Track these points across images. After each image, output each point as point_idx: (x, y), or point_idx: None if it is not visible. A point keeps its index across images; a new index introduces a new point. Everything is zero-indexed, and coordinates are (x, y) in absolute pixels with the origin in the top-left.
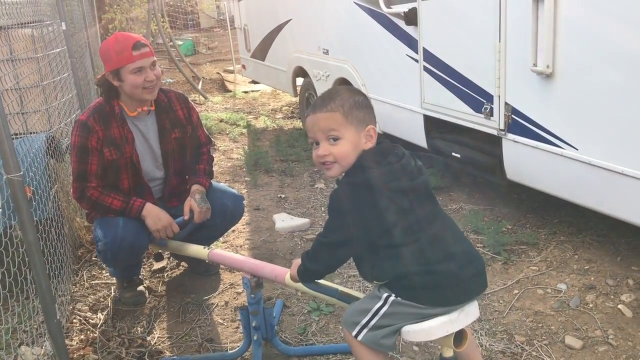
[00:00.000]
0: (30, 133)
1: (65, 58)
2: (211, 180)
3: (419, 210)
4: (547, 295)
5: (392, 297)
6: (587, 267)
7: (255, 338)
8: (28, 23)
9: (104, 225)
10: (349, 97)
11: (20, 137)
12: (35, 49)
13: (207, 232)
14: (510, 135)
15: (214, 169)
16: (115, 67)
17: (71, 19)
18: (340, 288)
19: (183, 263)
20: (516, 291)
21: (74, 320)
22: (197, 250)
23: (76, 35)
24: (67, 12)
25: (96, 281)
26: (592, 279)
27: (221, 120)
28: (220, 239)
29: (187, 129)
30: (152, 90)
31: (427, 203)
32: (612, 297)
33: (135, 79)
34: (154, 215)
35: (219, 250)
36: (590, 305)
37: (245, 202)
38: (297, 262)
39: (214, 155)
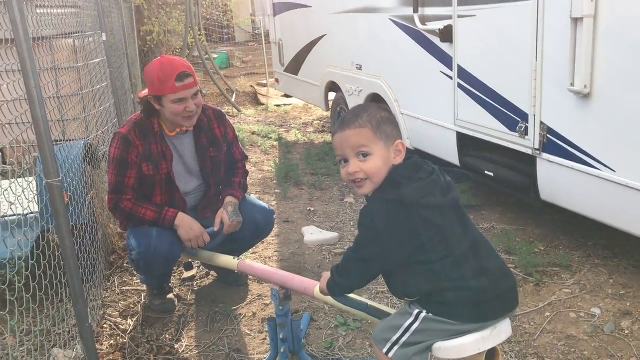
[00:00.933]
0: (69, 140)
1: (105, 68)
2: (245, 193)
3: (451, 226)
4: (580, 320)
5: (424, 314)
6: (622, 292)
7: (282, 350)
8: (71, 34)
9: (137, 234)
10: (375, 113)
11: (60, 144)
12: (77, 59)
13: (237, 245)
14: (545, 155)
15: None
16: (157, 94)
17: (111, 31)
18: (370, 302)
19: (212, 272)
20: (548, 314)
21: (105, 325)
22: (226, 260)
23: (115, 46)
24: (108, 23)
25: (127, 287)
26: (628, 304)
27: (253, 133)
28: (250, 250)
29: (222, 147)
30: (192, 119)
31: (459, 219)
32: None
33: (175, 108)
34: (186, 225)
35: (248, 261)
36: (626, 332)
37: (274, 205)
38: (327, 275)
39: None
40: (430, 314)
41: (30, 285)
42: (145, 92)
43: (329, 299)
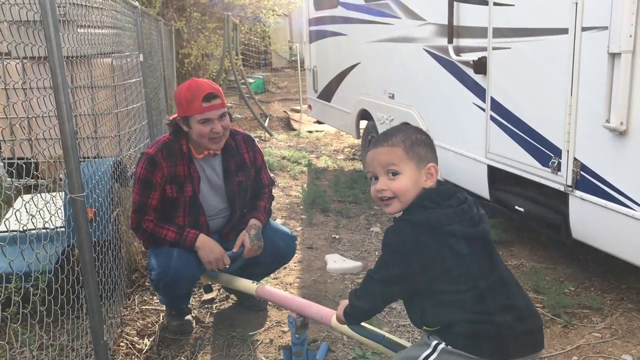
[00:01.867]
0: (98, 157)
1: (140, 88)
2: (269, 218)
3: (477, 258)
4: None
5: (442, 345)
6: None
7: None
8: (110, 53)
9: (158, 255)
10: (411, 134)
11: (88, 160)
12: (114, 78)
13: (258, 269)
14: (578, 192)
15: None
16: (184, 115)
17: (150, 52)
18: (387, 335)
19: (232, 296)
20: (575, 358)
21: (121, 344)
22: (246, 284)
23: (153, 67)
24: (147, 45)
25: (146, 306)
26: None
27: (283, 158)
28: (271, 275)
29: (250, 172)
30: (219, 141)
31: (486, 252)
32: None
33: (202, 129)
34: (207, 247)
35: (267, 287)
36: None
37: (298, 240)
38: (345, 302)
39: (274, 194)
40: (449, 346)
41: (46, 299)
42: (174, 115)
43: (347, 329)
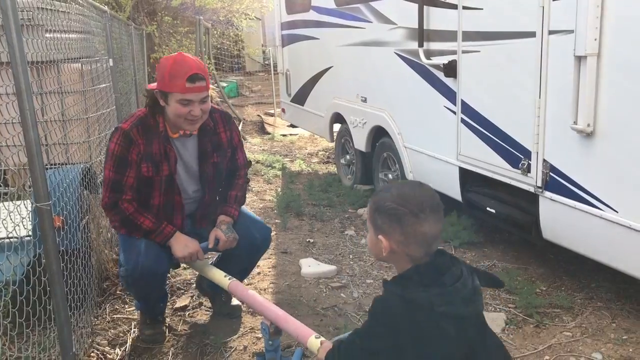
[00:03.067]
0: (69, 164)
1: (110, 93)
2: (241, 207)
3: (464, 340)
4: None
5: None
6: (625, 337)
7: None
8: (79, 58)
9: (126, 250)
10: (382, 198)
11: (55, 167)
12: (83, 83)
13: (234, 263)
14: (548, 193)
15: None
16: (164, 90)
17: (120, 57)
18: None
19: (205, 303)
20: (547, 357)
21: (92, 354)
22: (219, 277)
23: (124, 72)
24: (117, 49)
25: (118, 315)
26: (631, 350)
27: (257, 162)
28: (245, 280)
29: (227, 153)
30: (194, 124)
31: (477, 332)
32: None
33: (179, 109)
34: (181, 243)
35: (240, 284)
36: None
37: (273, 246)
38: (327, 346)
39: (249, 178)
40: None
41: (9, 311)
42: (154, 85)
43: None
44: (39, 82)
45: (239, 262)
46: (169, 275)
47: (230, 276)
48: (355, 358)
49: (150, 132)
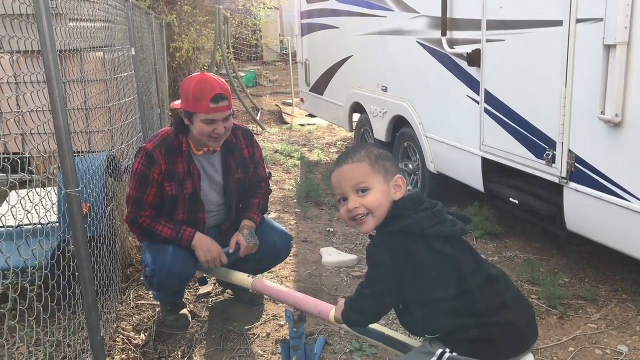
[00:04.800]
0: (92, 152)
1: (132, 82)
2: (264, 215)
3: (463, 257)
4: (606, 357)
5: (448, 354)
6: None
7: None
8: (101, 47)
9: (153, 251)
10: (373, 149)
11: (82, 155)
12: (105, 72)
13: (253, 266)
14: (573, 184)
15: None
16: (189, 110)
17: (141, 46)
18: (387, 331)
19: (228, 290)
20: (572, 349)
21: (117, 339)
22: (242, 278)
23: (144, 61)
24: (138, 39)
25: (142, 302)
26: None
27: (276, 151)
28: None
29: (249, 168)
30: (218, 141)
31: (469, 251)
32: None
33: (204, 128)
34: (204, 246)
35: (263, 281)
36: None
37: (293, 235)
38: (342, 303)
39: (271, 190)
40: (454, 354)
41: (42, 295)
42: (179, 103)
43: (345, 326)
44: (63, 71)
45: (257, 265)
46: None
47: (252, 275)
48: (366, 307)
49: (173, 152)
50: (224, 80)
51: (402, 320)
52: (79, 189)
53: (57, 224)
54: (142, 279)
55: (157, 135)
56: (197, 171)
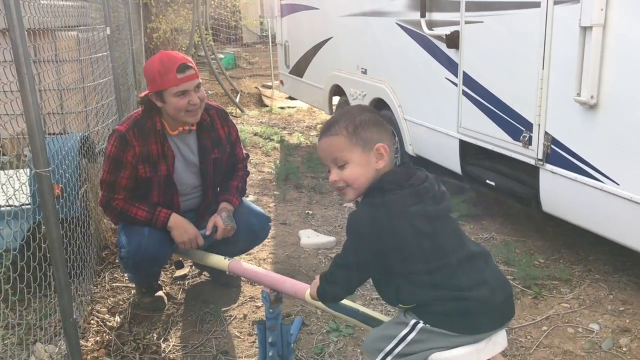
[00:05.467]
0: (65, 133)
1: (107, 62)
2: (242, 197)
3: (444, 235)
4: (578, 335)
5: (421, 324)
6: (622, 308)
7: (270, 354)
8: (75, 26)
9: (128, 232)
10: (354, 118)
11: (53, 136)
12: (80, 51)
13: (231, 248)
14: (549, 166)
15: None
16: (158, 89)
17: (117, 26)
18: (362, 309)
19: (205, 272)
20: (545, 328)
21: (92, 322)
22: (218, 260)
23: (121, 42)
24: (114, 18)
25: (117, 284)
26: (627, 321)
27: (255, 134)
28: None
29: (226, 148)
30: (195, 114)
31: (452, 228)
32: None
33: (178, 102)
34: (180, 227)
35: (239, 262)
36: (624, 349)
37: (272, 217)
38: (317, 281)
39: (249, 171)
40: (427, 325)
41: (11, 277)
42: (146, 92)
43: (320, 303)
44: (35, 49)
45: (234, 248)
46: None
47: (227, 257)
48: (341, 276)
49: (147, 134)
50: (183, 53)
51: (378, 289)
52: (50, 168)
53: (28, 206)
54: (117, 260)
55: (130, 116)
56: (172, 152)
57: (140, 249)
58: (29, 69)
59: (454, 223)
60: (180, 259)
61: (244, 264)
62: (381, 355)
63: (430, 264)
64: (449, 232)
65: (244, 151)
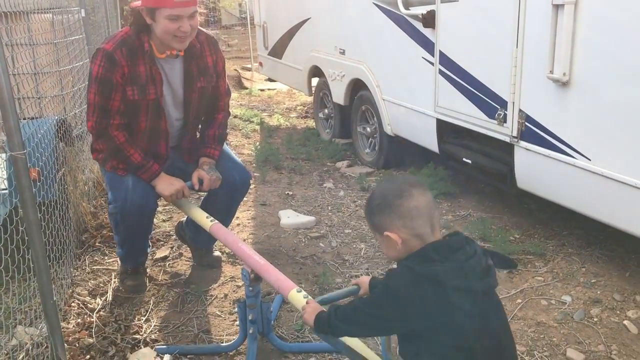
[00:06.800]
0: (38, 117)
1: (83, 45)
2: (222, 145)
3: (478, 315)
4: (551, 307)
5: None
6: (594, 280)
7: (250, 332)
8: (49, 9)
9: (114, 187)
10: (370, 202)
11: (28, 119)
12: (54, 34)
13: (213, 206)
14: (523, 143)
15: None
16: (151, 6)
17: (92, 8)
18: (347, 343)
19: (186, 253)
20: (519, 300)
21: (72, 304)
22: (201, 217)
23: (97, 24)
24: (89, 0)
25: (98, 267)
26: (599, 292)
27: (235, 116)
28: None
29: (212, 78)
30: (184, 41)
31: (491, 307)
32: (617, 312)
33: (168, 25)
34: (166, 181)
35: (223, 227)
36: (595, 320)
37: (252, 199)
38: (315, 307)
39: (230, 111)
40: None
41: None
42: (138, 2)
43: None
44: (8, 32)
45: (218, 204)
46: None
47: (212, 218)
48: (359, 321)
49: (135, 54)
50: None
51: (401, 345)
52: (25, 151)
53: (4, 191)
54: (99, 243)
55: (115, 35)
56: (160, 76)
57: (127, 201)
58: (0, 52)
59: (494, 300)
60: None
61: (227, 230)
62: None
63: (457, 341)
64: (484, 312)
65: (228, 87)
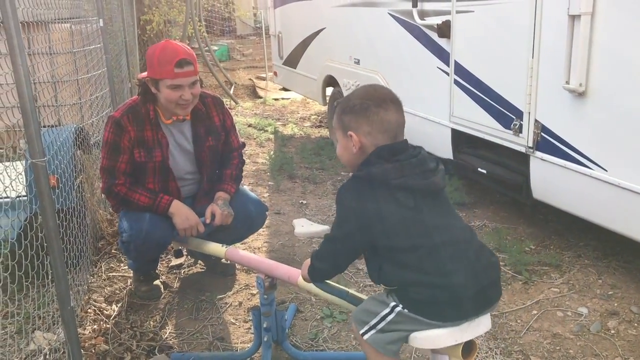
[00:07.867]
0: (57, 125)
1: (101, 54)
2: (239, 185)
3: (427, 212)
4: (567, 318)
5: (399, 308)
6: (610, 292)
7: (265, 339)
8: (68, 18)
9: (130, 217)
10: (349, 100)
11: (48, 127)
12: (73, 43)
13: (227, 235)
14: (539, 154)
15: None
16: (154, 77)
17: (110, 18)
18: (350, 291)
19: (200, 262)
20: (535, 312)
21: (89, 310)
22: (215, 248)
23: (114, 34)
24: (107, 10)
25: (114, 273)
26: (616, 305)
27: (250, 125)
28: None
29: (221, 136)
30: (186, 107)
31: (440, 207)
32: (635, 324)
33: (170, 94)
34: (182, 214)
35: (236, 249)
36: (612, 332)
37: (266, 197)
38: (308, 262)
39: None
40: (405, 310)
41: (9, 266)
42: (145, 74)
43: (313, 287)
44: (29, 41)
45: (231, 235)
46: None
47: (225, 245)
48: (331, 251)
49: (141, 120)
50: (189, 47)
51: (367, 267)
52: (46, 158)
53: (25, 197)
54: (114, 250)
55: (124, 104)
56: (166, 140)
57: (142, 234)
58: (23, 60)
59: (446, 205)
60: (180, 247)
61: (241, 251)
62: (365, 327)
63: (411, 240)
64: (435, 211)
65: (240, 139)
